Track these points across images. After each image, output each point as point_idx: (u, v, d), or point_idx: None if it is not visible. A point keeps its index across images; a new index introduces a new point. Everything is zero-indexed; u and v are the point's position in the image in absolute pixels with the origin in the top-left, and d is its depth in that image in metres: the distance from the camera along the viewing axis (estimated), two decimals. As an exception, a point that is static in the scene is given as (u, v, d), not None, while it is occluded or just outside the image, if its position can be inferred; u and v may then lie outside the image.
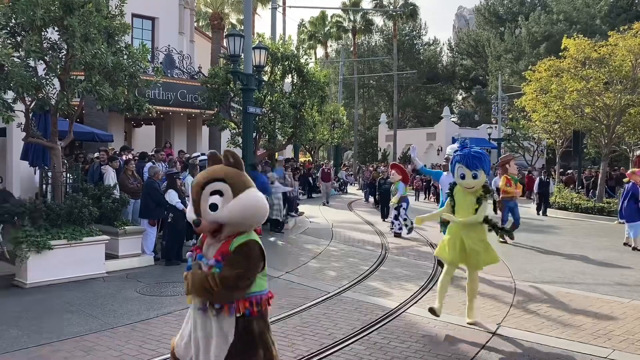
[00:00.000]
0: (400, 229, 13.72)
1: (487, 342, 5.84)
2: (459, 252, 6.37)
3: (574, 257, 11.28)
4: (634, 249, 12.17)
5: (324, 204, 22.57)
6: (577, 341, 5.87)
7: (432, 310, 6.28)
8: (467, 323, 6.42)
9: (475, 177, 6.17)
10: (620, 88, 19.92)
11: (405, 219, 13.66)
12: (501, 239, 11.84)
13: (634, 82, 19.79)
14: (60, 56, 8.99)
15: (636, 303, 7.40)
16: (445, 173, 10.31)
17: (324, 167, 26.19)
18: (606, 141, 20.94)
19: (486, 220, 6.39)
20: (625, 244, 12.70)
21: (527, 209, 20.70)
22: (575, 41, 20.86)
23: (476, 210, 6.29)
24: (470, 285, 6.58)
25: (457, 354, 5.44)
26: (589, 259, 11.08)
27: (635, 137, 22.94)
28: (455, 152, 6.58)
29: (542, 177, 21.21)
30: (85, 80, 8.90)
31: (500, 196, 13.15)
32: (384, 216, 17.30)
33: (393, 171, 14.08)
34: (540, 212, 20.57)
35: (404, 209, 13.71)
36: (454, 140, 43.91)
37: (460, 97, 71.07)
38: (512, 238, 8.47)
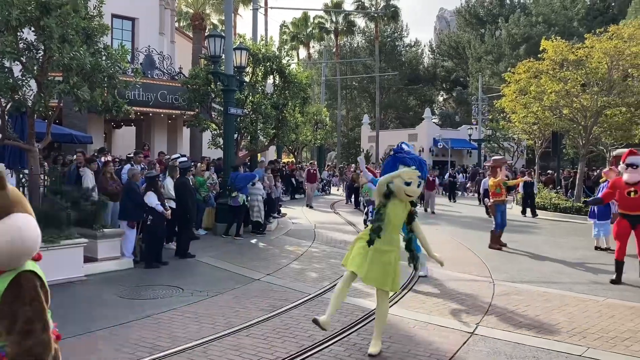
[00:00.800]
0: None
1: (466, 341, 5.90)
2: (373, 267, 5.49)
3: (552, 257, 11.43)
4: (607, 249, 11.69)
5: (308, 206, 21.71)
6: (553, 340, 5.95)
7: (316, 322, 5.29)
8: (369, 355, 5.39)
9: (419, 185, 5.46)
10: (597, 90, 20.23)
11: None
12: (494, 246, 12.27)
13: (610, 84, 20.11)
14: (37, 57, 8.89)
15: (611, 301, 7.52)
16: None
17: (309, 167, 24.77)
18: (584, 142, 21.25)
19: (408, 246, 5.79)
20: (596, 247, 12.16)
21: (509, 210, 20.89)
22: (553, 43, 21.14)
23: (409, 221, 5.64)
24: (381, 310, 5.63)
25: (436, 354, 5.49)
26: (566, 258, 11.24)
27: (612, 138, 23.34)
28: (395, 153, 5.87)
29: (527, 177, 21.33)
30: (63, 81, 8.82)
31: (492, 200, 12.56)
32: (366, 222, 16.84)
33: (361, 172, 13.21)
34: (526, 213, 20.47)
35: (370, 212, 12.62)
36: (435, 142, 44.35)
37: (441, 99, 71.61)
38: (416, 269, 6.62)
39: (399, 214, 5.52)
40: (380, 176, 6.25)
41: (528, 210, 20.53)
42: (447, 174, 31.43)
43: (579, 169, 22.12)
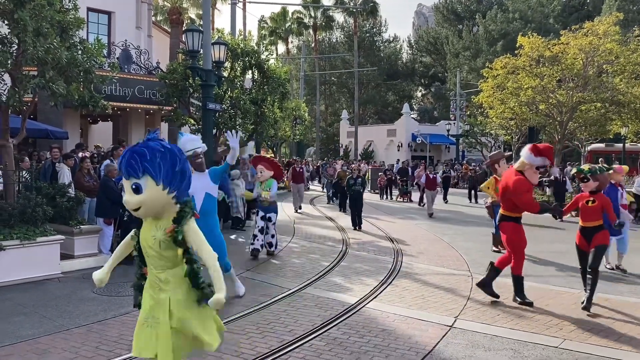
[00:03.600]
0: (272, 246, 10.64)
1: (445, 334, 5.96)
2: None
3: (529, 250, 11.53)
4: (618, 268, 9.56)
5: (296, 211, 18.72)
6: (530, 332, 6.04)
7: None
8: None
9: (137, 189, 3.42)
10: (572, 86, 20.58)
11: (273, 235, 10.62)
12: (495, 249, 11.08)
13: (585, 80, 20.46)
14: (11, 51, 8.71)
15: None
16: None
17: (295, 165, 20.76)
18: (559, 137, 21.60)
19: (196, 282, 3.87)
20: (616, 267, 9.64)
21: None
22: (529, 39, 21.41)
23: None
24: None
25: (416, 348, 5.53)
26: (543, 251, 11.41)
27: (587, 133, 23.75)
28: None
29: None
30: (38, 75, 8.66)
31: (490, 200, 11.21)
32: (356, 224, 14.47)
33: (261, 166, 10.29)
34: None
35: (273, 223, 10.49)
36: (414, 137, 44.55)
37: (419, 94, 72.07)
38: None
39: (148, 237, 3.67)
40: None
41: None
42: (441, 170, 27.74)
43: (554, 163, 22.45)
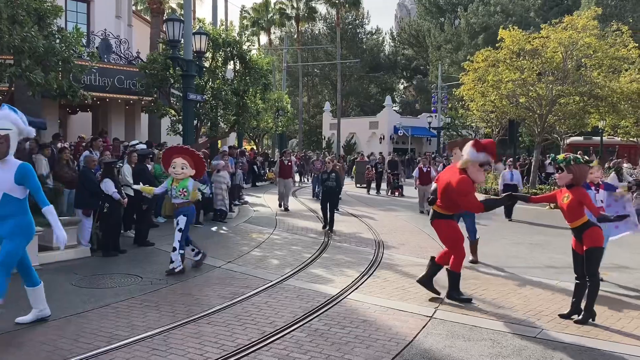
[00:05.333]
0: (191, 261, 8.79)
1: (425, 325, 6.01)
2: None
3: (508, 242, 11.74)
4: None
5: (285, 209, 16.67)
6: (509, 322, 6.13)
7: None
8: None
9: None
10: (552, 79, 20.78)
11: (191, 248, 8.77)
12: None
13: (564, 74, 20.68)
14: (-14, 39, 8.55)
15: (563, 285, 7.77)
16: None
17: (282, 159, 17.71)
18: (539, 130, 21.82)
19: None
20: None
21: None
22: (510, 33, 21.55)
23: None
24: None
25: (396, 338, 5.58)
26: (522, 243, 11.56)
27: (566, 126, 24.04)
28: None
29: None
30: (15, 64, 8.52)
31: None
32: (327, 224, 12.92)
33: (183, 161, 8.40)
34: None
35: (179, 229, 8.38)
36: (395, 130, 44.82)
37: (401, 87, 72.26)
38: None
39: None
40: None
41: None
42: (441, 165, 24.21)
43: (534, 156, 22.72)
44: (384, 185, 24.68)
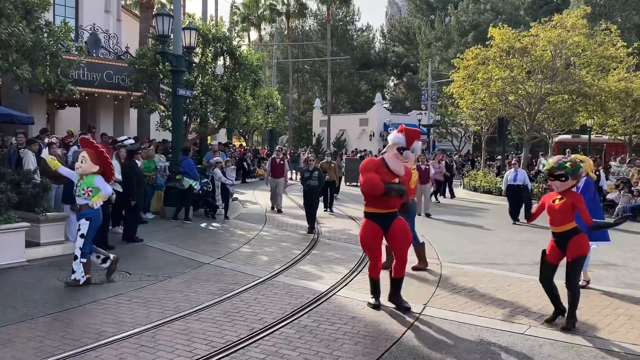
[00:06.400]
0: (83, 276, 7.29)
1: (414, 322, 6.03)
2: None
3: (498, 239, 11.80)
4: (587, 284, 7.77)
5: (278, 211, 15.78)
6: (497, 319, 6.17)
7: None
8: None
9: None
10: (541, 77, 20.89)
11: (95, 255, 7.58)
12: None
13: (553, 72, 20.79)
14: (-28, 32, 8.44)
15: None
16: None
17: (274, 157, 16.81)
18: (528, 128, 21.94)
19: None
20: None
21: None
22: (500, 31, 21.62)
23: None
24: None
25: (385, 335, 5.59)
26: (511, 240, 11.62)
27: (554, 125, 24.18)
28: None
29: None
30: (2, 58, 8.42)
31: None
32: (312, 229, 12.21)
33: (84, 154, 7.32)
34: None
35: (80, 234, 7.33)
36: (385, 127, 44.87)
37: (392, 84, 72.29)
38: None
39: None
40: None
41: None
42: (444, 162, 21.50)
43: (523, 154, 22.84)
44: None
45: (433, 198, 18.38)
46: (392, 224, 6.39)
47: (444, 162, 20.57)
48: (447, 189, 20.79)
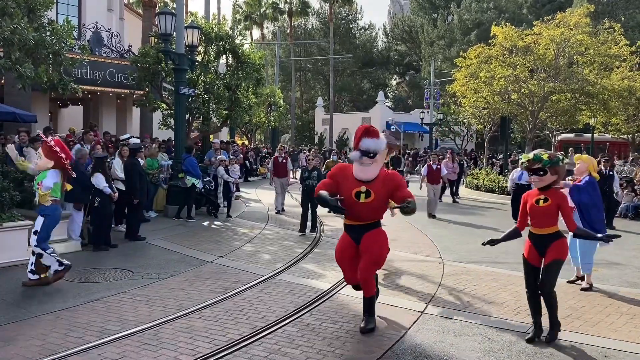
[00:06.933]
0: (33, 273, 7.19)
1: (416, 320, 6.03)
2: None
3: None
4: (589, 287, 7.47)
5: (278, 212, 15.04)
6: (500, 317, 6.16)
7: None
8: None
9: None
10: (544, 76, 20.86)
11: (46, 254, 7.19)
12: None
13: (556, 71, 20.77)
14: (-25, 31, 8.45)
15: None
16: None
17: (277, 156, 15.97)
18: (530, 126, 21.92)
19: None
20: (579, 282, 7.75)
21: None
22: (503, 29, 21.60)
23: None
24: None
25: (387, 333, 5.59)
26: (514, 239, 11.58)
27: (557, 123, 24.15)
28: None
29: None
30: (5, 57, 8.43)
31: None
32: (304, 228, 11.87)
33: (40, 150, 7.48)
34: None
35: (34, 231, 7.27)
36: (388, 126, 44.87)
37: (394, 82, 72.25)
38: None
39: None
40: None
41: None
42: (456, 162, 20.41)
43: (525, 152, 22.81)
44: None
45: (448, 198, 17.94)
46: (362, 239, 5.65)
47: (455, 162, 19.74)
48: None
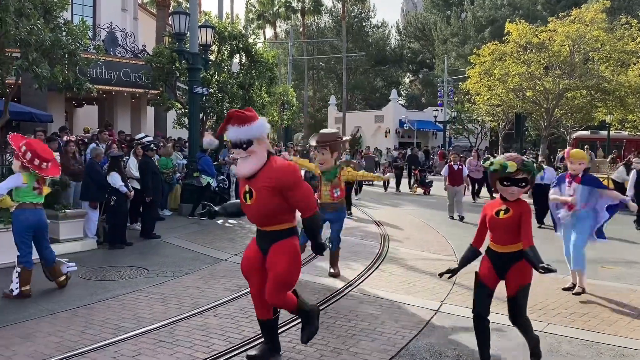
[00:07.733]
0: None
1: (431, 318, 6.01)
2: None
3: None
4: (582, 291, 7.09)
5: None
6: (514, 316, 6.11)
7: None
8: None
9: None
10: (559, 73, 20.68)
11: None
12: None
13: (572, 67, 20.57)
14: (-7, 32, 8.56)
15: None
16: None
17: (284, 154, 15.37)
18: (545, 124, 21.74)
19: None
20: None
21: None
22: (517, 26, 21.43)
23: None
24: None
25: (402, 332, 5.58)
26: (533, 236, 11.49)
27: (572, 120, 23.92)
28: None
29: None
30: (21, 57, 8.53)
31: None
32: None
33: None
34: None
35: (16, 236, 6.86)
36: (401, 124, 44.71)
37: (407, 80, 71.95)
38: None
39: None
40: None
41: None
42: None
43: (541, 150, 22.63)
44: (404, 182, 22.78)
45: (470, 199, 17.40)
46: (269, 251, 4.63)
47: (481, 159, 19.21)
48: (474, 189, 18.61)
